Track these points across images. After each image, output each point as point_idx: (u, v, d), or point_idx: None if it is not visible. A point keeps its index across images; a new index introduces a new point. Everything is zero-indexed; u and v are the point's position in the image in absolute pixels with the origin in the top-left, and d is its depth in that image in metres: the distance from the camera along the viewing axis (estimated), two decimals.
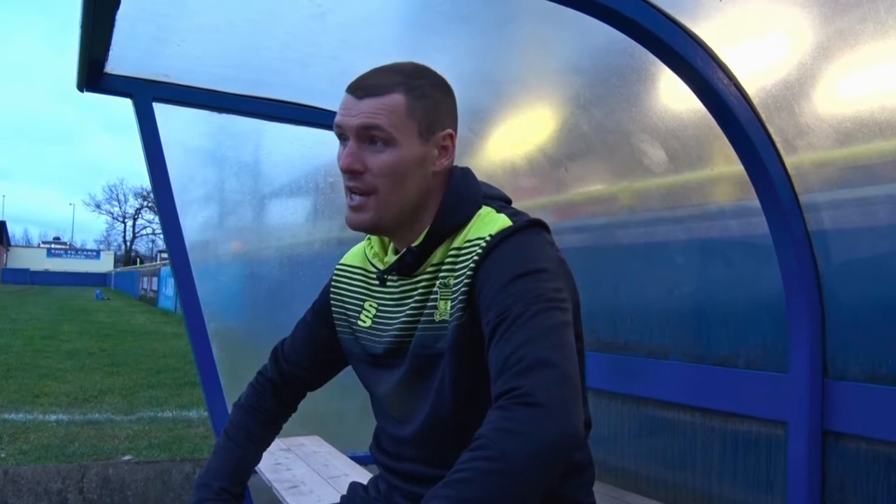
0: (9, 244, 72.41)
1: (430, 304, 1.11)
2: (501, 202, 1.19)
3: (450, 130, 1.14)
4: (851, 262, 1.74)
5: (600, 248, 2.64)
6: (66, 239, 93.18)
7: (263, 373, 1.39)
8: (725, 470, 2.08)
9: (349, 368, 1.33)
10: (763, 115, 1.68)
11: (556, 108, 2.49)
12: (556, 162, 2.64)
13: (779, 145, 1.70)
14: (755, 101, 1.68)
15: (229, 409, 1.40)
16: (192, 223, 2.87)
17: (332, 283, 1.32)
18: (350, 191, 1.11)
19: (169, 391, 7.06)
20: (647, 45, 1.53)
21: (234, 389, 1.60)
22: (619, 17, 1.43)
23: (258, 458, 1.34)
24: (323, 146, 2.88)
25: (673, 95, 2.00)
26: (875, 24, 1.43)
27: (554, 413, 0.87)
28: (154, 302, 26.20)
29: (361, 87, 1.09)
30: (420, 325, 1.12)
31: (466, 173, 1.20)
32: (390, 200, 1.09)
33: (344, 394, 2.55)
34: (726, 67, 1.63)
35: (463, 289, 1.07)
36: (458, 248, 1.10)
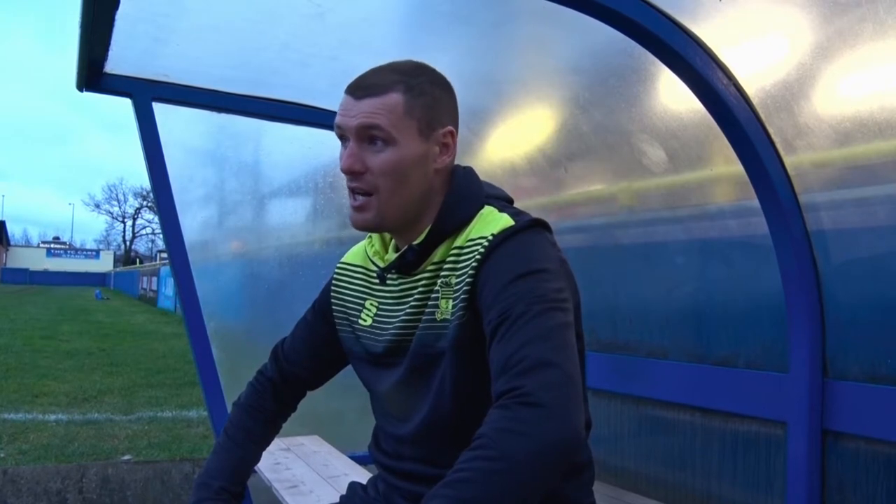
0: (8, 244, 72.35)
1: (431, 303, 1.11)
2: (503, 202, 1.19)
3: (450, 128, 1.14)
4: (851, 262, 1.74)
5: (600, 248, 2.64)
6: (65, 239, 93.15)
7: (263, 372, 1.39)
8: (725, 470, 2.08)
9: (349, 368, 1.33)
10: (762, 116, 1.68)
11: (556, 108, 2.49)
12: (555, 162, 2.64)
13: (778, 145, 1.70)
14: (755, 101, 1.68)
15: (229, 408, 1.40)
16: (192, 223, 2.87)
17: (333, 282, 1.32)
18: (352, 191, 1.11)
19: (168, 391, 7.05)
20: (646, 45, 1.53)
21: (233, 389, 1.60)
22: (618, 17, 1.43)
23: (258, 458, 1.34)
24: (323, 146, 2.89)
25: (672, 96, 2.00)
26: (874, 24, 1.43)
27: (555, 413, 0.87)
28: (154, 302, 26.19)
29: (360, 88, 1.09)
30: (421, 325, 1.12)
31: (469, 172, 1.20)
32: (392, 199, 1.09)
33: (344, 393, 2.55)
34: (726, 67, 1.63)
35: (465, 288, 1.07)
36: (460, 248, 1.10)
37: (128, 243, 79.44)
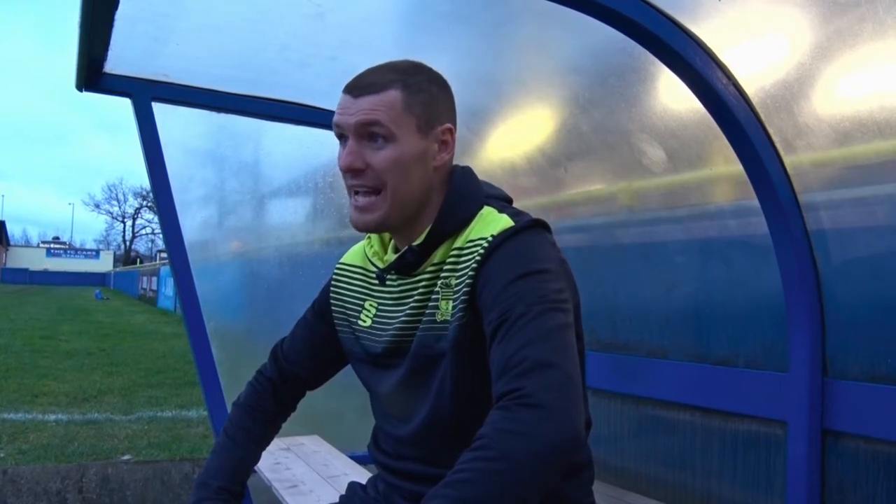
0: (8, 244, 72.37)
1: (431, 303, 1.11)
2: (503, 202, 1.19)
3: (448, 125, 1.14)
4: (851, 261, 1.74)
5: (600, 247, 2.64)
6: (65, 239, 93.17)
7: (263, 372, 1.39)
8: (725, 469, 2.08)
9: (349, 368, 1.33)
10: (762, 115, 1.68)
11: (556, 108, 2.49)
12: (555, 162, 2.64)
13: (778, 145, 1.70)
14: (754, 101, 1.68)
15: (229, 408, 1.40)
16: (192, 223, 2.87)
17: (332, 283, 1.32)
18: (355, 191, 1.11)
19: (168, 391, 7.05)
20: (646, 45, 1.53)
21: (233, 389, 1.59)
22: (618, 17, 1.43)
23: (258, 458, 1.34)
24: (322, 146, 2.89)
25: (672, 95, 2.00)
26: (874, 24, 1.43)
27: (555, 414, 0.87)
28: (153, 302, 26.19)
29: (358, 86, 1.10)
30: (421, 325, 1.12)
31: (467, 172, 1.20)
32: (396, 196, 1.09)
33: (343, 393, 2.55)
34: (725, 67, 1.63)
35: (465, 289, 1.07)
36: (460, 248, 1.10)
37: (128, 243, 79.49)
